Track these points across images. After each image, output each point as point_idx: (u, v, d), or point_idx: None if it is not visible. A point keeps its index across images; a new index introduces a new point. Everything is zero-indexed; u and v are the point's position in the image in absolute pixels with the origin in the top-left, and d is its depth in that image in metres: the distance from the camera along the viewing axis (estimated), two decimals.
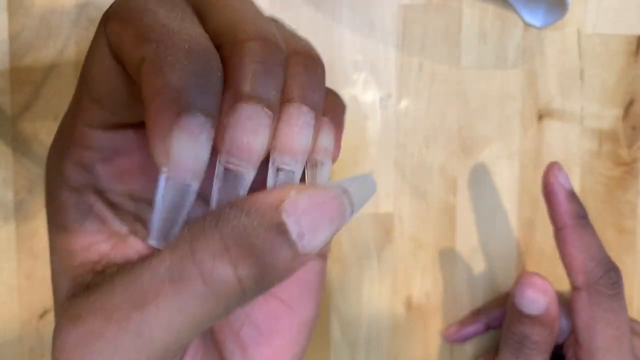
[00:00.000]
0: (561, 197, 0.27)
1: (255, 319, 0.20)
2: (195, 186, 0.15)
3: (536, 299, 0.26)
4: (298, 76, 0.17)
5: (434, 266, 0.33)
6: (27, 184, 0.32)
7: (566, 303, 0.28)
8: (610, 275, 0.26)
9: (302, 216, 0.15)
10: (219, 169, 0.16)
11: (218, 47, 0.16)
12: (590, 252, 0.27)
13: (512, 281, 0.33)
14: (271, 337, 0.20)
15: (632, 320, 0.30)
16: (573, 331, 0.28)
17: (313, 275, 0.21)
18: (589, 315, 0.26)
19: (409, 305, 0.33)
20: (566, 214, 0.27)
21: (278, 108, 0.16)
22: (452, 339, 0.32)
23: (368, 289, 0.33)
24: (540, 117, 0.33)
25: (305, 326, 0.21)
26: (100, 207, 0.18)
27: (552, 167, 0.27)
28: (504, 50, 0.32)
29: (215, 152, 0.16)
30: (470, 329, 0.32)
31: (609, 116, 0.33)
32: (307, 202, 0.15)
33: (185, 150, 0.15)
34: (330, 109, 0.18)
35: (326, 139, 0.18)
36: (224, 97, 0.16)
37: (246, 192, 0.16)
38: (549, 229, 0.28)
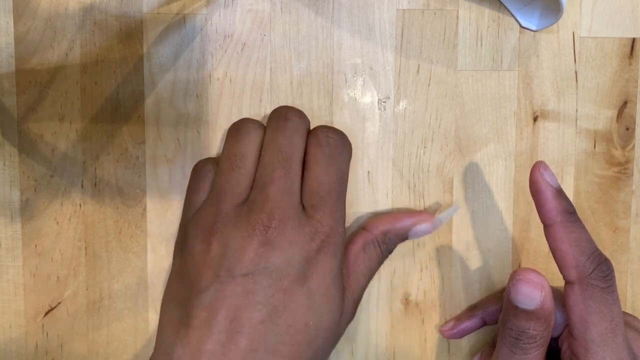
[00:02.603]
0: (548, 195, 0.27)
1: None
2: None
3: (531, 294, 0.26)
4: None
5: (431, 264, 0.33)
6: (32, 183, 0.32)
7: (560, 297, 0.28)
8: (602, 269, 0.26)
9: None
10: None
11: None
12: (580, 247, 0.26)
13: (507, 278, 0.32)
14: None
15: (625, 313, 0.30)
16: (567, 325, 0.28)
17: None
18: (582, 308, 0.26)
19: (406, 301, 0.33)
20: (554, 210, 0.27)
21: None
22: (449, 335, 0.32)
23: (367, 286, 0.32)
24: (536, 118, 0.33)
25: None
26: None
27: (537, 166, 0.27)
28: (499, 53, 0.32)
29: None
30: (467, 324, 0.32)
31: (603, 117, 0.33)
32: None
33: None
34: None
35: None
36: None
37: None
38: None
